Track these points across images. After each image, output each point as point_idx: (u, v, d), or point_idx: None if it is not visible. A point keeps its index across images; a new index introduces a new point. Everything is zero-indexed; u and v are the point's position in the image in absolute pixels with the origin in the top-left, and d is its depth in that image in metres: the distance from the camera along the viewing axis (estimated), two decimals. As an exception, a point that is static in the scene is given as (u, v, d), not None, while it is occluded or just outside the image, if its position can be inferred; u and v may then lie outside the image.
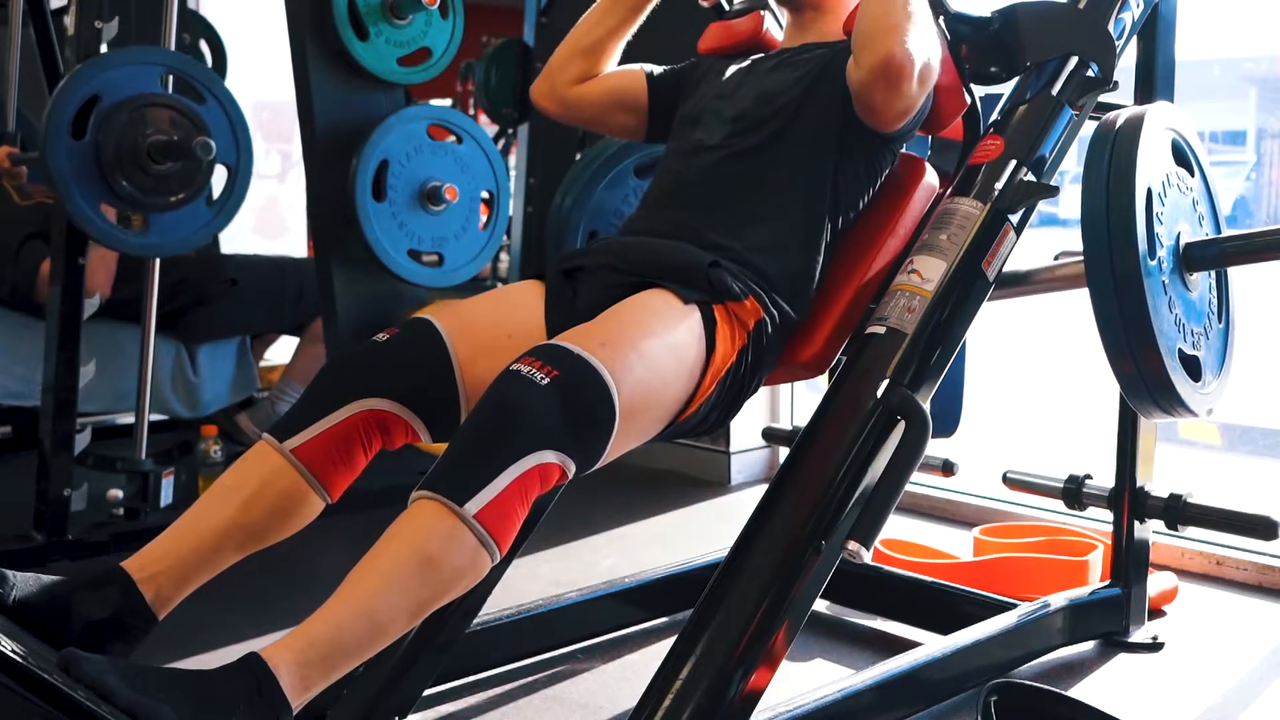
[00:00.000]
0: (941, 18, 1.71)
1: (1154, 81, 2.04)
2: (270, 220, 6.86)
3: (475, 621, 1.87)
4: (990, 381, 3.73)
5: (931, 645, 1.90)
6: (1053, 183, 1.68)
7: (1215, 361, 1.84)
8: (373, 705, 1.72)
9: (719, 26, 1.92)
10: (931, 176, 1.76)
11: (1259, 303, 2.31)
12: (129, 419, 3.29)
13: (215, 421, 3.31)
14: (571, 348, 1.33)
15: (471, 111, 4.82)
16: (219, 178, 2.63)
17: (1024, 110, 1.71)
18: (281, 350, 3.93)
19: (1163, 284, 1.69)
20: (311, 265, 3.12)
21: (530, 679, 2.02)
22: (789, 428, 3.22)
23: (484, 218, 2.65)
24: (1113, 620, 2.16)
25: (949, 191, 1.68)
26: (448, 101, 5.39)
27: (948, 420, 1.99)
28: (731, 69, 1.81)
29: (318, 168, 2.57)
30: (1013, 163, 1.65)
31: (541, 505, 1.66)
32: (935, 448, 1.79)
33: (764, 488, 1.50)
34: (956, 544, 2.69)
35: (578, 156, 2.75)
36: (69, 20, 2.60)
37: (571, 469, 1.31)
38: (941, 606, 2.20)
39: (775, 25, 1.92)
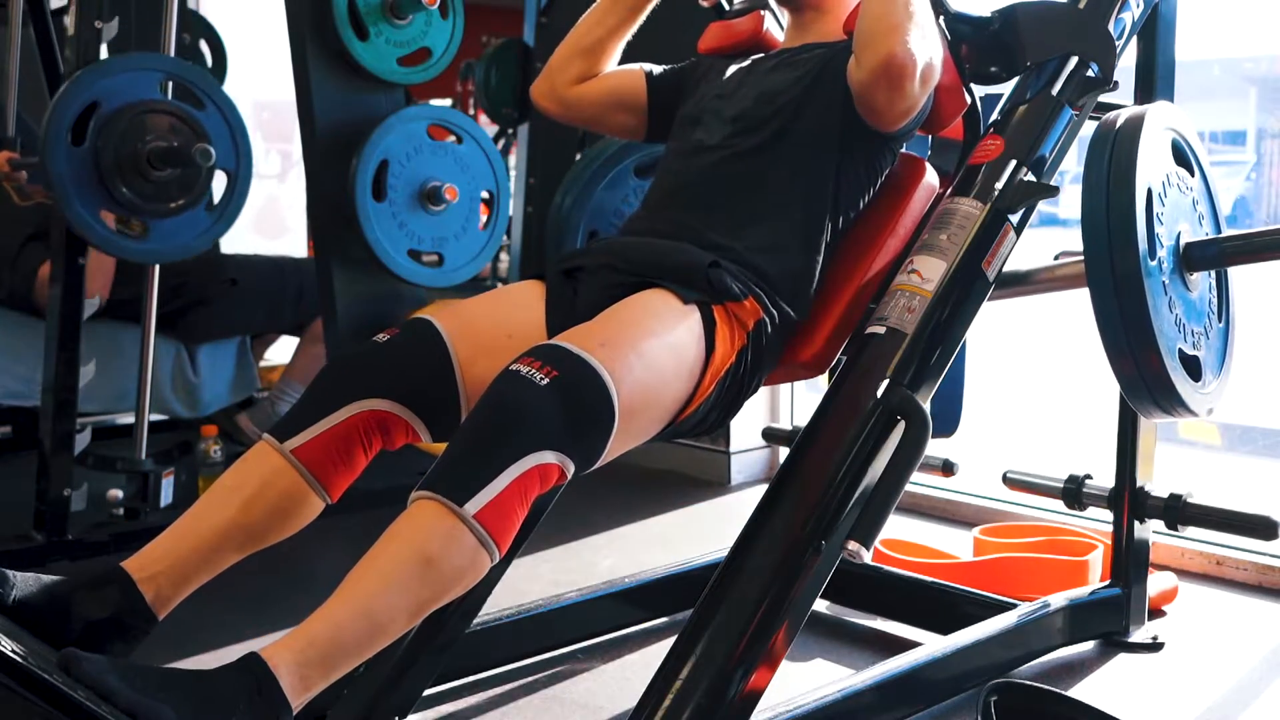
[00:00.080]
0: (942, 18, 1.71)
1: (1154, 81, 2.04)
2: (270, 220, 6.86)
3: (475, 621, 1.87)
4: (990, 381, 3.73)
5: (931, 645, 1.90)
6: (1053, 183, 1.68)
7: (1215, 361, 1.84)
8: (373, 705, 1.72)
9: (719, 26, 1.92)
10: (931, 176, 1.76)
11: (1259, 303, 2.31)
12: (129, 419, 3.29)
13: (215, 421, 3.30)
14: (571, 348, 1.33)
15: (471, 111, 4.82)
16: (219, 183, 2.63)
17: (1024, 110, 1.71)
18: (281, 350, 3.93)
19: (1163, 284, 1.69)
20: (311, 265, 3.12)
21: (530, 679, 2.02)
22: (789, 428, 3.22)
23: (484, 218, 2.65)
24: (1113, 620, 2.16)
25: (949, 191, 1.68)
26: (448, 101, 5.39)
27: (948, 420, 1.99)
28: (732, 69, 1.81)
29: (318, 168, 2.56)
30: (1013, 163, 1.65)
31: (541, 505, 1.66)
32: (935, 448, 1.79)
33: (764, 488, 1.50)
34: (956, 544, 2.69)
35: (578, 156, 2.75)
36: (69, 20, 2.60)
37: (571, 469, 1.31)
38: (941, 606, 2.20)
39: (775, 25, 1.92)
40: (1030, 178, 1.65)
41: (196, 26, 3.83)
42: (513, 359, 1.33)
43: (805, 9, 1.82)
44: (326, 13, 2.44)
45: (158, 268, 2.73)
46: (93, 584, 1.31)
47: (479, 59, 4.05)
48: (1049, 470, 2.31)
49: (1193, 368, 1.75)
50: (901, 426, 1.45)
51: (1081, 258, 1.71)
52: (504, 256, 4.38)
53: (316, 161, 2.56)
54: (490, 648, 1.99)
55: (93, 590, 1.30)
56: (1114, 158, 1.69)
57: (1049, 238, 2.49)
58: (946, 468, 2.41)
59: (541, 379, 1.28)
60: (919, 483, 3.09)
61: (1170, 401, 1.71)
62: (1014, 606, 2.07)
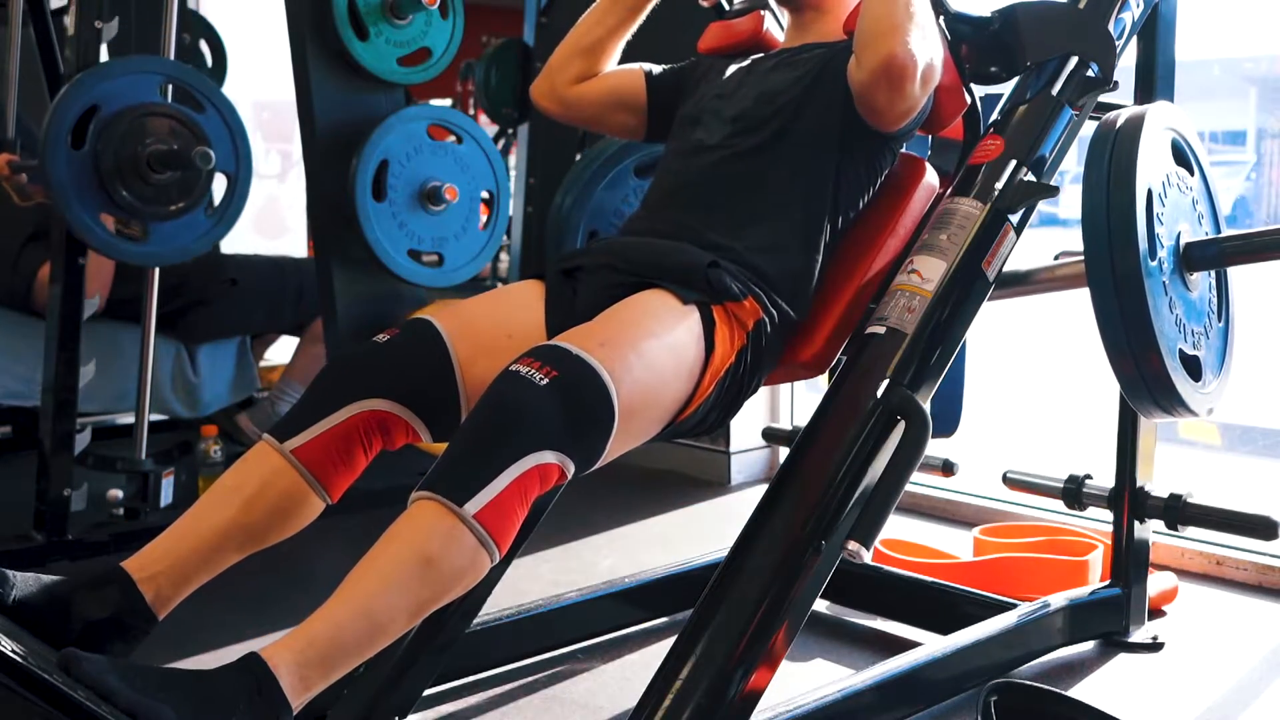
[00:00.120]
0: (942, 18, 1.71)
1: (1154, 81, 2.04)
2: (270, 220, 6.86)
3: (475, 621, 1.87)
4: (990, 381, 3.73)
5: (931, 645, 1.90)
6: (1053, 183, 1.68)
7: (1215, 361, 1.84)
8: (373, 705, 1.72)
9: (719, 26, 1.92)
10: (931, 176, 1.76)
11: (1259, 303, 2.31)
12: (129, 419, 3.29)
13: (215, 421, 3.30)
14: (570, 348, 1.33)
15: (471, 111, 4.82)
16: (219, 185, 2.62)
17: (1024, 110, 1.71)
18: (281, 350, 3.93)
19: (1163, 284, 1.69)
20: (311, 265, 3.12)
21: (530, 679, 2.02)
22: (789, 428, 3.22)
23: (484, 218, 2.65)
24: (1113, 620, 2.16)
25: (949, 191, 1.68)
26: (448, 101, 5.39)
27: (948, 420, 1.99)
28: (732, 69, 1.81)
29: (318, 168, 2.56)
30: (1013, 163, 1.65)
31: (541, 505, 1.66)
32: (935, 448, 1.79)
33: (764, 488, 1.50)
34: (956, 544, 2.69)
35: (578, 156, 2.75)
36: (69, 20, 2.60)
37: (571, 469, 1.31)
38: (941, 606, 2.20)
39: (775, 25, 1.92)
40: (1030, 178, 1.65)
41: (196, 26, 3.82)
42: (512, 359, 1.33)
43: (805, 9, 1.82)
44: (326, 13, 2.44)
45: (157, 268, 2.73)
46: (93, 584, 1.31)
47: (479, 59, 4.05)
48: (1049, 470, 2.31)
49: (1193, 368, 1.75)
50: (901, 426, 1.45)
51: (1081, 258, 1.71)
52: (504, 256, 4.38)
53: (316, 161, 2.56)
54: (490, 648, 1.99)
55: (93, 590, 1.30)
56: (1114, 158, 1.69)
57: (1049, 238, 2.49)
58: (946, 468, 2.41)
59: (541, 379, 1.28)
60: (919, 483, 3.09)
61: (1170, 401, 1.71)
62: (1014, 606, 2.07)
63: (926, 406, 1.48)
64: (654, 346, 1.40)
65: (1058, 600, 2.08)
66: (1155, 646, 2.16)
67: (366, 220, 2.44)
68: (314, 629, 1.20)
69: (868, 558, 1.39)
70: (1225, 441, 4.19)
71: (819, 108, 1.66)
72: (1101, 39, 1.74)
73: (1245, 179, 6.56)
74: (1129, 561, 2.16)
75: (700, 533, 2.97)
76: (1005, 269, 1.66)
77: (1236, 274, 1.93)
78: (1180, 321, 1.73)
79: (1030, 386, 4.99)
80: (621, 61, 1.92)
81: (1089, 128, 1.80)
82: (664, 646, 1.42)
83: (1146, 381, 1.69)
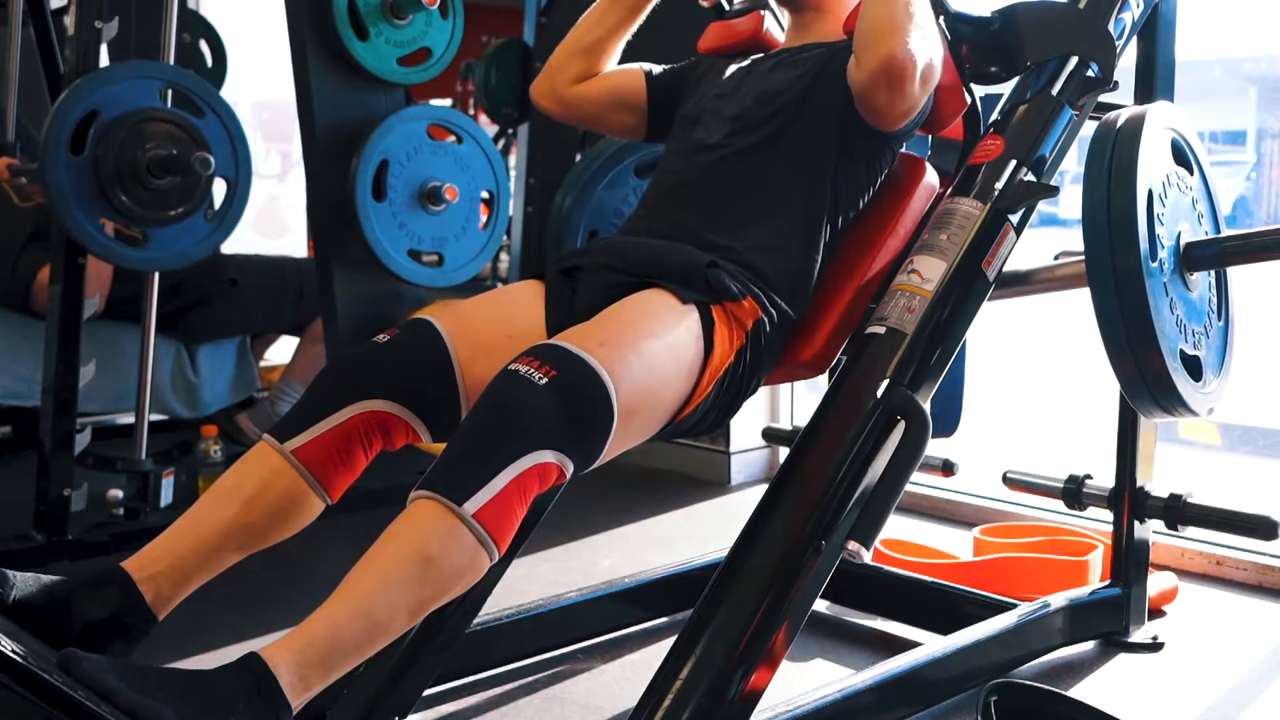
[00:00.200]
0: (942, 17, 1.71)
1: (1154, 81, 2.04)
2: (270, 220, 6.87)
3: (475, 621, 1.87)
4: (990, 381, 3.73)
5: (931, 645, 1.90)
6: (1053, 183, 1.68)
7: (1216, 361, 1.84)
8: (373, 705, 1.72)
9: (719, 26, 1.92)
10: (931, 176, 1.76)
11: (1259, 303, 2.31)
12: (129, 419, 3.29)
13: (215, 421, 3.30)
14: (569, 347, 1.33)
15: (471, 111, 4.82)
16: (218, 190, 2.62)
17: (1024, 110, 1.71)
18: (281, 350, 3.93)
19: (1164, 284, 1.69)
20: (311, 265, 3.12)
21: (530, 679, 2.02)
22: (789, 428, 3.22)
23: (484, 218, 2.65)
24: (1113, 620, 2.16)
25: (949, 191, 1.68)
26: (448, 101, 5.39)
27: (948, 420, 1.99)
28: (732, 68, 1.81)
29: (318, 168, 2.56)
30: (1013, 163, 1.65)
31: (541, 505, 1.66)
32: (935, 448, 1.79)
33: (764, 488, 1.50)
34: (956, 544, 2.69)
35: (578, 156, 2.75)
36: (69, 20, 2.60)
37: (570, 468, 1.31)
38: (941, 606, 2.20)
39: (775, 25, 1.92)
40: (1030, 178, 1.65)
41: (196, 27, 3.82)
42: (512, 359, 1.33)
43: (805, 9, 1.82)
44: (326, 13, 2.44)
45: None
46: (93, 584, 1.31)
47: (479, 59, 4.05)
48: (1049, 470, 2.31)
49: (1193, 367, 1.75)
50: (901, 426, 1.45)
51: (1082, 258, 1.71)
52: (504, 256, 4.38)
53: (316, 161, 2.56)
54: (490, 648, 1.99)
55: (93, 590, 1.31)
56: (1114, 157, 1.69)
57: (1049, 238, 2.49)
58: (946, 468, 2.41)
59: (540, 378, 1.28)
60: (919, 483, 3.09)
61: (1171, 401, 1.71)
62: (1014, 606, 2.07)
63: (926, 406, 1.48)
64: (653, 346, 1.40)
65: (1058, 600, 2.08)
66: (1155, 646, 2.15)
67: (366, 220, 2.44)
68: (313, 629, 1.20)
69: (868, 558, 1.39)
70: (1225, 441, 4.18)
71: (819, 107, 1.66)
72: (1101, 39, 1.74)
73: (1245, 179, 6.56)
74: (1129, 561, 2.16)
75: (700, 533, 2.96)
76: (1005, 269, 1.66)
77: (1236, 274, 1.93)
78: (1181, 321, 1.73)
79: (1030, 386, 4.99)
80: (621, 61, 1.92)
81: (1089, 128, 1.80)
82: (664, 646, 1.42)
83: (1147, 381, 1.69)
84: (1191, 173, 1.85)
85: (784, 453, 3.29)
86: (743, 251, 1.59)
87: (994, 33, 1.76)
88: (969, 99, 1.77)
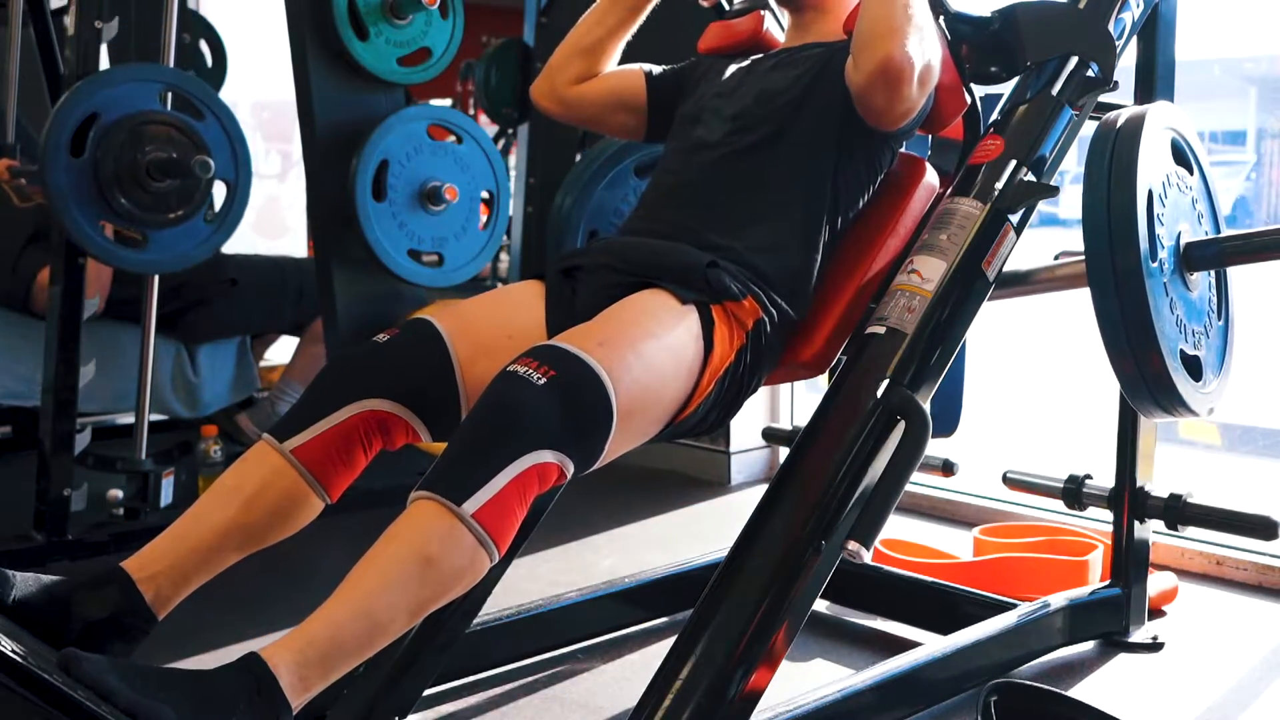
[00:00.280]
0: (942, 17, 1.71)
1: (1154, 81, 2.04)
2: (270, 220, 6.87)
3: (475, 621, 1.87)
4: (990, 381, 3.73)
5: (931, 645, 1.90)
6: (1053, 183, 1.68)
7: (1216, 361, 1.84)
8: (373, 705, 1.72)
9: (719, 26, 1.92)
10: (931, 176, 1.76)
11: (1259, 303, 2.30)
12: (129, 419, 3.29)
13: (215, 421, 3.30)
14: (569, 348, 1.33)
15: (471, 111, 4.82)
16: (218, 192, 2.62)
17: (1024, 110, 1.71)
18: (281, 350, 3.93)
19: (1163, 284, 1.69)
20: (311, 265, 3.11)
21: (530, 679, 2.02)
22: (789, 428, 3.22)
23: (484, 218, 2.65)
24: (1113, 620, 2.16)
25: (949, 191, 1.68)
26: (448, 101, 5.39)
27: (948, 420, 1.99)
28: (732, 68, 1.81)
29: (318, 168, 2.56)
30: (1013, 163, 1.65)
31: (541, 505, 1.66)
32: (935, 448, 1.79)
33: (764, 488, 1.50)
34: (956, 544, 2.69)
35: (578, 157, 2.75)
36: (69, 20, 2.60)
37: (570, 469, 1.31)
38: (941, 606, 2.20)
39: (775, 25, 1.92)
40: (1030, 178, 1.65)
41: (196, 27, 3.82)
42: (511, 359, 1.33)
43: (805, 9, 1.82)
44: (326, 13, 2.44)
45: (157, 270, 2.73)
46: (92, 584, 1.31)
47: (479, 59, 4.05)
48: (1049, 470, 2.31)
49: (1194, 367, 1.75)
50: (901, 426, 1.45)
51: (1082, 258, 1.71)
52: (504, 256, 4.38)
53: (316, 161, 2.56)
54: (490, 648, 1.99)
55: (92, 590, 1.30)
56: (1114, 157, 1.69)
57: (1049, 238, 2.49)
58: (946, 468, 2.41)
59: (539, 379, 1.28)
60: (919, 483, 3.09)
61: (1171, 401, 1.71)
62: (1014, 606, 2.07)
63: (926, 406, 1.48)
64: (653, 346, 1.40)
65: (1058, 600, 2.08)
66: (1155, 646, 2.16)
67: (366, 220, 2.44)
68: (313, 629, 1.20)
69: (868, 558, 1.39)
70: (1225, 441, 4.18)
71: (818, 107, 1.66)
72: (1101, 39, 1.74)
73: (1245, 179, 6.56)
74: (1129, 561, 2.16)
75: (700, 533, 2.96)
76: (1005, 269, 1.66)
77: (1236, 274, 1.93)
78: (1181, 321, 1.73)
79: (1030, 386, 4.99)
80: (621, 62, 1.92)
81: (1089, 128, 1.80)
82: (664, 646, 1.42)
83: (1147, 381, 1.69)
84: (1191, 173, 1.85)
85: (784, 453, 3.29)
86: (742, 251, 1.59)
87: (994, 33, 1.76)
88: (969, 99, 1.77)
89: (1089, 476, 2.22)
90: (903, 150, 1.76)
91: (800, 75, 1.69)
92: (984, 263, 1.60)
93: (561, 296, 1.58)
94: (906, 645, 2.06)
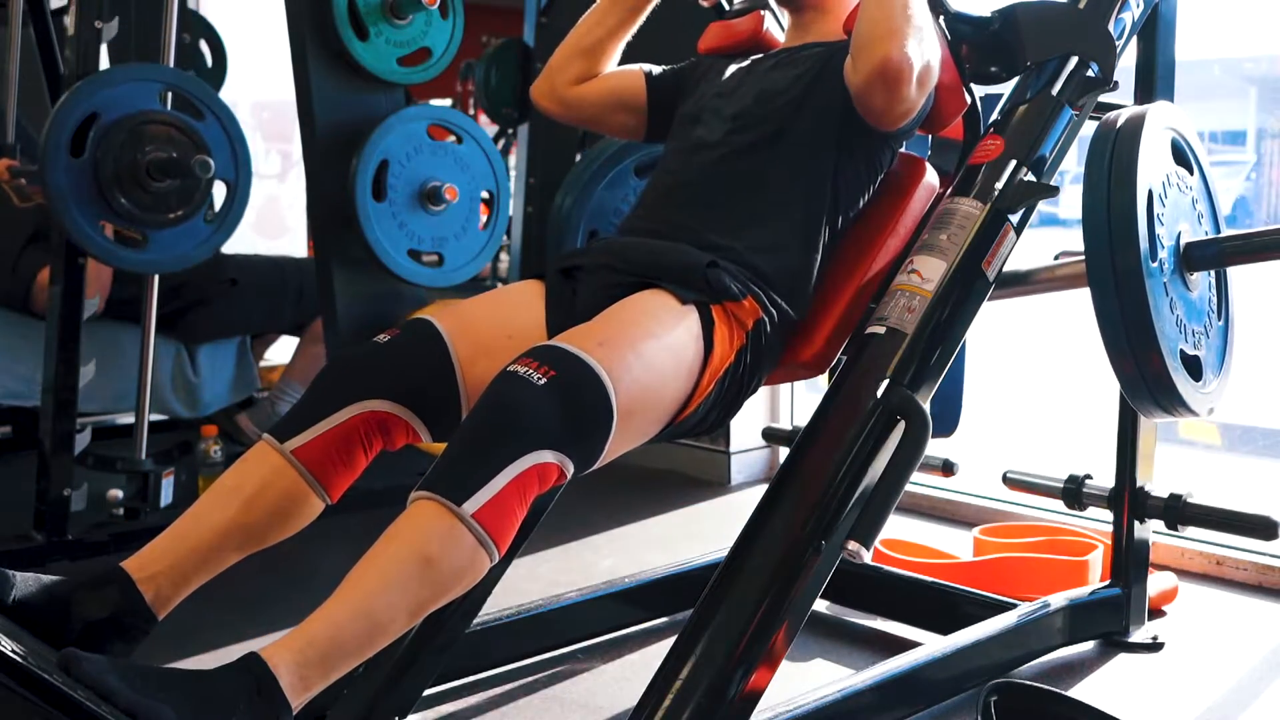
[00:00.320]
0: (941, 17, 1.71)
1: (1154, 81, 2.04)
2: (270, 220, 6.87)
3: (475, 621, 1.87)
4: (990, 381, 3.73)
5: (931, 645, 1.90)
6: (1053, 183, 1.68)
7: (1216, 361, 1.84)
8: (373, 705, 1.72)
9: (719, 26, 1.92)
10: (931, 176, 1.76)
11: (1259, 303, 2.30)
12: (129, 419, 3.29)
13: (215, 421, 3.30)
14: (568, 348, 1.33)
15: (471, 111, 4.82)
16: (218, 192, 2.62)
17: (1024, 110, 1.71)
18: (281, 350, 3.93)
19: (1164, 284, 1.69)
20: (311, 265, 3.12)
21: (530, 679, 2.02)
22: (789, 428, 3.22)
23: (484, 218, 2.65)
24: (1113, 620, 2.16)
25: (949, 191, 1.68)
26: (448, 101, 5.39)
27: (948, 420, 1.99)
28: (732, 68, 1.81)
29: (318, 168, 2.56)
30: (1013, 163, 1.65)
31: (541, 505, 1.66)
32: (935, 448, 1.79)
33: (764, 488, 1.50)
34: (956, 544, 2.69)
35: (578, 157, 2.75)
36: (69, 20, 2.60)
37: (570, 469, 1.31)
38: (941, 606, 2.20)
39: (775, 25, 1.92)
40: (1030, 178, 1.65)
41: (196, 27, 3.82)
42: (511, 360, 1.33)
43: (805, 9, 1.82)
44: (326, 13, 2.44)
45: (157, 270, 2.73)
46: (92, 584, 1.31)
47: (479, 59, 4.05)
48: (1049, 470, 2.31)
49: (1194, 367, 1.75)
50: (901, 426, 1.45)
51: (1082, 258, 1.71)
52: (504, 256, 4.38)
53: (316, 161, 2.56)
54: (490, 648, 1.99)
55: (92, 590, 1.31)
56: (1114, 157, 1.69)
57: (1049, 238, 2.49)
58: (946, 468, 2.41)
59: (539, 379, 1.28)
60: (919, 483, 3.09)
61: (1171, 401, 1.71)
62: (1014, 606, 2.07)
63: (926, 406, 1.48)
64: (653, 346, 1.40)
65: (1058, 600, 2.08)
66: (1155, 646, 2.16)
67: (366, 220, 2.44)
68: (313, 629, 1.20)
69: (868, 558, 1.39)
70: (1225, 441, 4.18)
71: (818, 107, 1.66)
72: (1101, 39, 1.74)
73: (1245, 179, 6.55)
74: (1129, 561, 2.16)
75: (700, 533, 2.96)
76: (1005, 269, 1.66)
77: (1236, 274, 1.93)
78: (1181, 321, 1.73)
79: (1030, 386, 4.99)
80: (622, 62, 1.92)
81: (1089, 128, 1.80)
82: (664, 646, 1.42)
83: (1147, 381, 1.69)
84: (1191, 173, 1.85)
85: (784, 453, 3.29)
86: (742, 251, 1.59)
87: (994, 33, 1.76)
88: (969, 99, 1.77)
89: (1089, 476, 2.22)
90: (903, 150, 1.76)
91: (800, 75, 1.69)
92: (984, 263, 1.60)
93: (561, 296, 1.58)
94: (906, 645, 2.06)
